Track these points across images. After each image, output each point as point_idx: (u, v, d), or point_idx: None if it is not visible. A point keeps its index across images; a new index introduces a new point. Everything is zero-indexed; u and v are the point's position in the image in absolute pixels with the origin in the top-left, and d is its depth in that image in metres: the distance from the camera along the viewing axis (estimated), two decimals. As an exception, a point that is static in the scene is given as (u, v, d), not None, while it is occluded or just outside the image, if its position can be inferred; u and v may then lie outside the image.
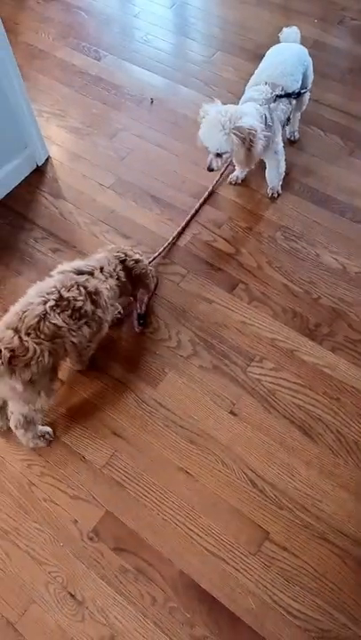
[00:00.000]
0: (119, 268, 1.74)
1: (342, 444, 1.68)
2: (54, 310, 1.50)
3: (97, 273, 1.66)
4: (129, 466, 1.67)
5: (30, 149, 2.32)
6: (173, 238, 2.12)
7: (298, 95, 2.01)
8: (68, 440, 1.72)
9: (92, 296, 1.59)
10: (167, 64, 2.78)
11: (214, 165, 1.92)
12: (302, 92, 2.04)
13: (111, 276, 1.70)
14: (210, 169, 1.94)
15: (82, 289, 1.57)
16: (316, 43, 2.72)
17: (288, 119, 2.12)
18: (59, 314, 1.51)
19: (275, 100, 1.90)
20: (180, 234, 2.14)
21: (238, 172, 2.23)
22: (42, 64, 2.80)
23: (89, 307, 1.58)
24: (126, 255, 1.78)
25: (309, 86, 2.14)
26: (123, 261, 1.76)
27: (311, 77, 2.13)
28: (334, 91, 2.54)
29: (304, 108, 2.21)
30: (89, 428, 1.74)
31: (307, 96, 2.16)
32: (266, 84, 1.93)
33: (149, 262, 1.98)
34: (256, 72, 2.04)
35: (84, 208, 2.27)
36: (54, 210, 2.27)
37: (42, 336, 1.47)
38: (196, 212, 2.19)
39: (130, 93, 2.65)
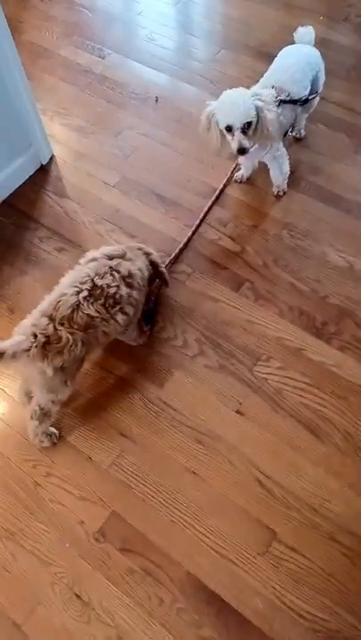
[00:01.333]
0: (142, 254, 1.76)
1: (350, 443, 1.66)
2: (87, 300, 1.52)
3: (128, 254, 1.66)
4: (135, 466, 1.66)
5: (34, 148, 2.31)
6: (188, 238, 2.11)
7: (305, 102, 1.98)
8: (73, 440, 1.71)
9: (126, 279, 1.60)
10: (172, 62, 2.77)
11: (245, 144, 1.78)
12: (310, 97, 2.00)
13: (138, 258, 1.71)
14: (241, 150, 1.78)
15: (115, 274, 1.58)
16: (322, 40, 2.68)
17: (293, 126, 2.09)
18: (92, 304, 1.52)
19: (278, 105, 1.87)
20: (190, 237, 2.12)
21: (244, 171, 2.22)
22: (46, 63, 2.79)
23: (124, 290, 1.58)
24: (142, 248, 1.79)
25: (320, 89, 2.10)
26: (144, 253, 1.78)
27: (322, 80, 2.09)
28: (340, 88, 2.52)
29: (312, 110, 2.19)
30: (95, 429, 1.73)
31: (316, 99, 2.12)
32: (273, 87, 1.90)
33: (166, 266, 1.99)
34: (266, 74, 2.00)
35: (88, 207, 2.26)
36: (59, 209, 2.26)
37: (75, 326, 1.49)
38: (206, 213, 2.17)
39: (134, 92, 2.64)
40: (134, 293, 1.62)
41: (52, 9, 3.07)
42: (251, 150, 1.83)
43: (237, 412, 1.74)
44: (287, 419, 1.72)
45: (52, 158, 2.42)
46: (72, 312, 1.49)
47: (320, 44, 2.57)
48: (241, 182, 2.25)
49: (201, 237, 2.13)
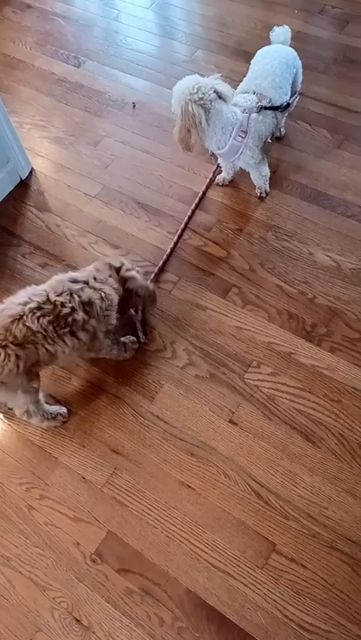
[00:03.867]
0: (111, 275, 1.67)
1: (345, 447, 1.64)
2: (34, 313, 1.44)
3: (92, 282, 1.59)
4: (129, 483, 1.64)
5: (12, 163, 2.28)
6: (171, 250, 2.08)
7: (286, 107, 1.95)
8: (66, 460, 1.69)
9: (85, 306, 1.54)
10: (148, 66, 2.73)
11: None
12: (290, 101, 1.97)
13: (105, 284, 1.63)
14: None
15: (75, 297, 1.51)
16: (298, 34, 2.66)
17: (273, 134, 2.06)
18: (38, 318, 1.44)
19: (259, 111, 1.85)
20: (175, 244, 2.09)
21: (225, 174, 2.19)
22: (21, 74, 2.76)
23: (80, 315, 1.52)
24: (123, 264, 1.72)
25: (298, 88, 2.08)
26: (118, 269, 1.70)
27: (300, 79, 2.07)
28: (319, 82, 2.48)
29: (292, 108, 2.15)
30: (87, 447, 1.70)
31: (296, 100, 2.09)
32: (254, 93, 1.88)
33: (152, 279, 1.96)
34: (246, 78, 1.97)
35: (70, 220, 2.23)
36: (41, 223, 2.24)
37: (10, 338, 1.41)
38: (189, 219, 2.14)
39: (112, 99, 2.61)
40: (92, 322, 1.56)
41: (25, 19, 3.04)
42: (222, 152, 1.86)
43: (230, 421, 1.71)
44: (281, 426, 1.69)
45: (31, 172, 2.39)
46: (12, 322, 1.42)
47: (297, 38, 2.55)
48: (223, 185, 2.22)
49: (185, 244, 2.10)
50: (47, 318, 1.46)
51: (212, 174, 2.21)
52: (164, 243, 2.10)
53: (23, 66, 2.80)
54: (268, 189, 2.14)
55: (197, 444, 1.68)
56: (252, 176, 2.07)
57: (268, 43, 2.06)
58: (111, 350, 1.73)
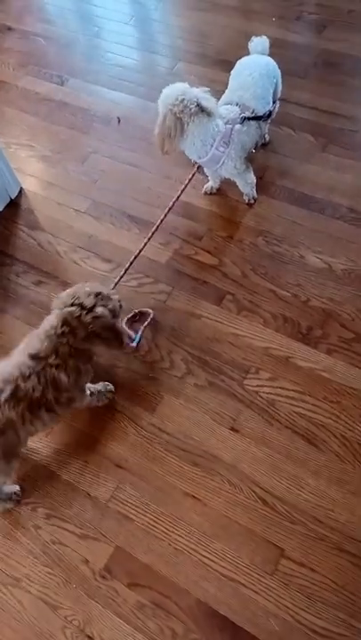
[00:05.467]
0: (72, 328, 1.50)
1: (348, 448, 1.64)
2: (8, 402, 1.42)
3: (51, 359, 1.47)
4: (134, 497, 1.63)
5: (1, 183, 2.30)
6: (139, 250, 2.03)
7: (268, 116, 1.98)
8: (70, 477, 1.69)
9: (52, 384, 1.48)
10: (131, 80, 2.76)
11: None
12: (272, 109, 2.00)
13: (70, 356, 1.50)
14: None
15: (41, 377, 1.46)
16: (277, 41, 2.67)
17: (257, 143, 2.09)
18: (14, 406, 1.43)
19: (242, 122, 1.87)
20: (144, 245, 2.05)
21: (212, 182, 2.20)
22: (5, 96, 2.78)
23: (50, 395, 1.48)
24: (82, 307, 1.50)
25: (278, 96, 2.10)
26: (78, 317, 1.49)
27: (280, 88, 2.09)
28: (300, 87, 2.51)
29: (274, 115, 2.17)
30: (90, 463, 1.70)
31: (277, 106, 2.11)
32: (237, 104, 1.90)
33: (113, 286, 1.91)
34: (228, 90, 1.99)
35: (61, 236, 2.24)
36: (32, 242, 2.25)
37: None
38: (161, 221, 2.11)
39: (96, 115, 2.63)
40: (64, 395, 1.52)
41: (6, 41, 3.06)
42: (203, 161, 1.91)
43: (232, 429, 1.71)
44: (283, 430, 1.69)
45: (20, 191, 2.41)
46: None
47: (276, 45, 2.57)
48: (211, 194, 2.24)
49: (177, 254, 2.11)
50: (22, 404, 1.44)
51: (187, 180, 2.20)
52: (156, 254, 2.11)
53: (7, 87, 2.82)
54: (255, 195, 2.16)
55: (200, 453, 1.68)
56: (238, 184, 2.09)
57: (247, 51, 2.08)
58: (82, 402, 1.68)
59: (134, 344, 1.88)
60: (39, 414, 1.49)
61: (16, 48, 3.02)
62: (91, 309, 1.50)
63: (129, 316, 1.95)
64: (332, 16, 2.79)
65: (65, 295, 1.54)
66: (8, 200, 2.36)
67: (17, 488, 1.66)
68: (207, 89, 1.84)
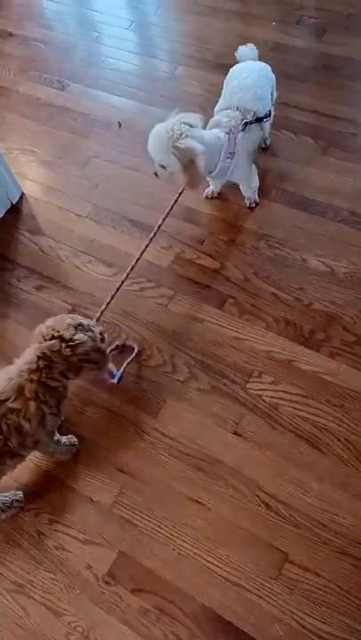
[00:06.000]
0: (43, 376, 1.45)
1: (352, 451, 1.63)
2: None
3: (11, 402, 1.41)
4: (138, 502, 1.63)
5: (3, 189, 2.30)
6: (136, 260, 2.01)
7: (268, 116, 1.98)
8: (72, 483, 1.68)
9: (16, 430, 1.43)
10: (131, 85, 2.76)
11: (159, 174, 1.89)
12: (270, 110, 2.00)
13: (36, 395, 1.44)
14: (155, 174, 1.91)
15: (2, 425, 1.40)
16: (277, 45, 2.70)
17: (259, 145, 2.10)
18: None
19: (244, 129, 1.86)
20: (142, 253, 2.05)
21: (213, 187, 2.21)
22: (6, 101, 2.79)
23: (14, 441, 1.43)
24: (62, 339, 1.43)
25: (273, 102, 2.10)
26: (58, 350, 1.42)
27: (275, 95, 2.11)
28: (300, 91, 2.51)
29: (271, 119, 2.18)
30: (92, 468, 1.70)
31: (272, 113, 2.11)
32: (238, 109, 1.89)
33: (98, 316, 1.85)
34: (224, 94, 1.99)
35: (63, 241, 2.24)
36: (34, 246, 2.25)
37: None
38: (159, 227, 2.12)
39: (97, 120, 2.63)
40: (28, 440, 1.47)
41: (6, 47, 3.07)
42: (213, 174, 1.90)
43: (235, 433, 1.71)
44: (286, 434, 1.69)
45: (21, 196, 2.41)
46: None
47: (275, 49, 2.60)
48: (212, 198, 2.24)
49: (179, 258, 2.11)
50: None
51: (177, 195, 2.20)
52: (158, 258, 2.11)
53: (8, 92, 2.82)
54: (257, 199, 2.16)
55: (204, 457, 1.68)
56: (241, 187, 2.09)
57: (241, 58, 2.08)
58: (48, 449, 1.63)
59: (114, 380, 1.81)
60: (4, 461, 1.47)
61: (17, 54, 3.03)
62: (70, 340, 1.42)
63: (111, 347, 1.88)
64: (331, 20, 2.80)
65: (44, 327, 1.46)
66: (9, 205, 2.36)
67: (20, 495, 1.65)
68: (176, 110, 1.85)
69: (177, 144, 1.73)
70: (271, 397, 1.76)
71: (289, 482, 1.60)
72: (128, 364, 1.86)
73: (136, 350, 1.89)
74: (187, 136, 1.74)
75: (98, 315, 1.87)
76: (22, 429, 1.43)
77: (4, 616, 1.52)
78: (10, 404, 1.40)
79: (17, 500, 1.64)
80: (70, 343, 1.42)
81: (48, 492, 1.68)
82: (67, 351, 1.42)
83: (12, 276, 2.18)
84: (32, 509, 1.66)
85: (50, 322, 1.48)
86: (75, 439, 1.72)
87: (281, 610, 1.44)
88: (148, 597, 1.50)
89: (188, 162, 1.75)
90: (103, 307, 1.89)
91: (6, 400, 1.40)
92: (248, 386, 1.79)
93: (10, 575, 1.58)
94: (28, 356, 1.45)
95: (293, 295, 1.95)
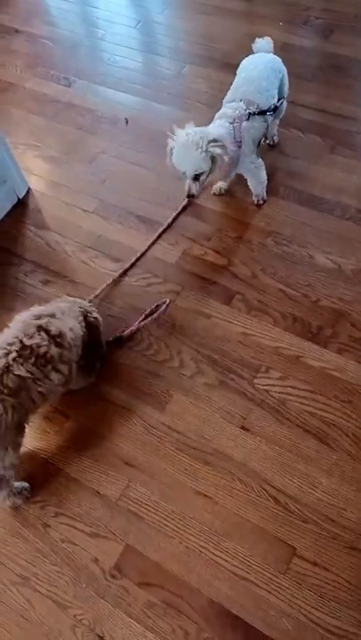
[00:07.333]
0: (80, 317, 1.68)
1: (360, 447, 1.63)
2: (17, 361, 1.44)
3: (58, 314, 1.59)
4: (145, 495, 1.62)
5: (9, 184, 2.30)
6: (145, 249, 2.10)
7: (274, 110, 1.98)
8: (79, 476, 1.67)
9: (56, 339, 1.53)
10: (138, 82, 2.77)
11: (194, 190, 1.86)
12: (278, 104, 2.01)
13: (73, 317, 1.64)
14: (190, 195, 1.87)
15: (44, 333, 1.50)
16: (285, 45, 2.70)
17: (265, 135, 2.10)
18: (22, 364, 1.45)
19: (248, 118, 1.88)
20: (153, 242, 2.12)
21: (221, 183, 2.21)
22: (13, 97, 2.79)
23: (54, 350, 1.51)
24: (86, 311, 1.72)
25: (286, 95, 2.12)
26: (85, 316, 1.70)
27: (287, 85, 2.12)
28: (308, 90, 2.52)
29: (282, 115, 2.19)
30: (99, 461, 1.69)
31: (284, 104, 2.13)
32: (241, 100, 1.90)
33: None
34: (232, 86, 2.01)
35: (69, 236, 2.24)
36: (40, 241, 2.24)
37: (5, 391, 1.42)
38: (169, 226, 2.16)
39: (104, 116, 2.64)
40: (65, 353, 1.55)
41: (13, 43, 3.08)
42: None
43: (242, 427, 1.70)
44: (294, 429, 1.68)
45: (28, 191, 2.41)
46: (1, 375, 1.42)
47: (283, 49, 2.60)
48: (220, 195, 2.24)
49: (186, 254, 2.11)
50: (30, 361, 1.47)
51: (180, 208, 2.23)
52: (166, 254, 2.11)
53: (14, 88, 2.83)
54: (265, 196, 2.16)
55: (211, 451, 1.67)
56: (249, 183, 2.09)
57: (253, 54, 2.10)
58: (80, 380, 1.72)
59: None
60: (48, 373, 1.51)
61: (23, 50, 3.03)
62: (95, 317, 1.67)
63: (146, 312, 1.95)
64: (338, 21, 2.81)
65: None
66: (16, 200, 2.36)
67: (27, 484, 1.64)
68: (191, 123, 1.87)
69: (210, 138, 1.76)
70: (279, 393, 1.75)
71: (297, 476, 1.60)
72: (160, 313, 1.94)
73: (168, 302, 1.96)
74: (210, 130, 1.78)
75: (91, 297, 1.97)
76: None
77: (9, 609, 1.51)
78: None
79: (25, 489, 1.63)
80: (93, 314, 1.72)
81: (54, 485, 1.67)
82: (91, 319, 1.70)
83: (19, 270, 2.17)
84: (38, 502, 1.65)
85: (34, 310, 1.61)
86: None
87: (289, 604, 1.43)
88: (154, 591, 1.49)
89: (218, 156, 1.78)
90: (98, 291, 2.01)
91: None
92: (256, 381, 1.78)
93: (15, 568, 1.56)
94: (61, 304, 1.65)
95: (301, 292, 1.95)
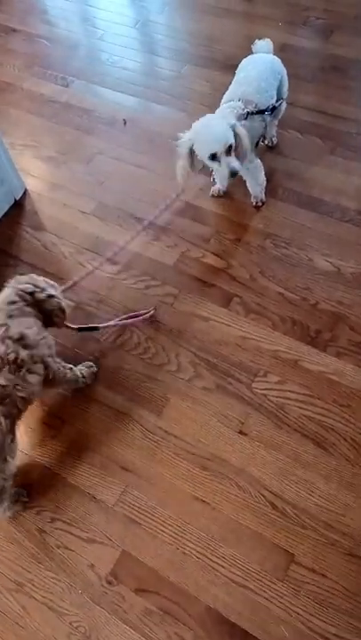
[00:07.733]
0: (24, 303, 1.57)
1: (358, 452, 1.62)
2: None
3: (9, 318, 1.51)
4: (141, 501, 1.61)
5: (6, 185, 2.28)
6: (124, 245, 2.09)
7: (272, 110, 1.97)
8: (75, 481, 1.66)
9: (21, 342, 1.48)
10: (137, 83, 2.75)
11: (236, 166, 1.76)
12: (277, 105, 2.00)
13: (24, 315, 1.55)
14: (234, 172, 1.77)
15: (8, 340, 1.46)
16: (285, 46, 2.69)
17: (263, 136, 2.09)
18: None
19: (246, 118, 1.86)
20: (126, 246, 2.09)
21: (220, 185, 2.19)
22: (10, 97, 2.77)
23: (23, 353, 1.47)
24: (36, 286, 1.60)
25: (285, 96, 2.11)
26: (32, 293, 1.58)
27: (286, 86, 2.10)
28: (307, 91, 2.50)
29: (280, 115, 2.17)
30: (96, 466, 1.67)
31: (283, 105, 2.12)
32: (240, 100, 1.89)
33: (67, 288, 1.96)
34: (231, 87, 2.00)
35: (67, 238, 2.22)
36: (37, 243, 2.22)
37: None
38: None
39: (102, 117, 2.62)
40: (35, 352, 1.51)
41: (10, 43, 3.06)
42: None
43: (240, 432, 1.69)
44: (292, 434, 1.67)
45: (25, 192, 2.39)
46: None
47: (283, 49, 2.59)
48: (218, 196, 2.22)
49: (184, 256, 2.09)
50: (5, 370, 1.44)
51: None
52: (164, 256, 2.10)
53: (12, 88, 2.81)
54: (263, 198, 2.14)
55: (208, 456, 1.66)
56: (248, 184, 2.08)
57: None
58: (65, 375, 1.68)
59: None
60: (24, 376, 1.48)
61: (21, 50, 3.01)
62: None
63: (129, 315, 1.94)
64: (339, 21, 2.79)
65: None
66: (13, 201, 2.34)
67: (22, 490, 1.63)
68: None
69: (235, 127, 1.76)
70: (277, 397, 1.74)
71: (295, 482, 1.59)
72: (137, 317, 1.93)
73: (152, 311, 1.94)
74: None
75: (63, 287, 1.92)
76: None
77: (4, 616, 1.49)
78: None
79: (22, 495, 1.62)
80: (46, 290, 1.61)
81: (50, 490, 1.65)
82: (41, 296, 1.59)
83: (15, 272, 2.13)
84: (34, 507, 1.63)
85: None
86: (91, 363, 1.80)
87: (287, 611, 1.41)
88: (151, 598, 1.47)
89: (239, 132, 1.77)
90: (70, 283, 2.02)
91: None
92: (254, 385, 1.77)
93: (10, 574, 1.55)
94: (8, 297, 1.57)
95: (300, 295, 1.94)
